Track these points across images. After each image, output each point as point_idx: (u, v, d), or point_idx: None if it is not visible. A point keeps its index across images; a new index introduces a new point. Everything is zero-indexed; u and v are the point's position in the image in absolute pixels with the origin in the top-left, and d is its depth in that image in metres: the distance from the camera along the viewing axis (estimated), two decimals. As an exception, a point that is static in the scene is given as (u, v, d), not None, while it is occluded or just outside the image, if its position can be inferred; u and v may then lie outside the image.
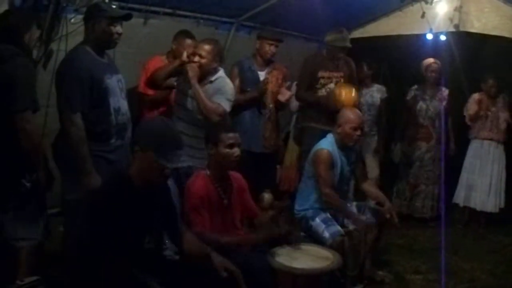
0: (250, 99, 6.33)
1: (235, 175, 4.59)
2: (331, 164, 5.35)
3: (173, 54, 5.95)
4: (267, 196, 6.43)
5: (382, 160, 8.15)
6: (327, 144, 5.45)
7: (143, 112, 5.92)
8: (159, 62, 5.79)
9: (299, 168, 7.07)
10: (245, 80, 6.43)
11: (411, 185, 7.94)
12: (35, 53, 4.69)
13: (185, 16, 6.39)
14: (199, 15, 6.59)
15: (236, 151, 4.35)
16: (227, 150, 4.33)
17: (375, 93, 8.07)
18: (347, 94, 6.41)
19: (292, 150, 7.90)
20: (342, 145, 5.48)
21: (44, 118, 4.51)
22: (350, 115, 5.45)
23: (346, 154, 5.53)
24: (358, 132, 5.41)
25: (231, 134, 4.36)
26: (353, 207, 5.59)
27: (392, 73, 9.35)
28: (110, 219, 3.27)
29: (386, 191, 6.17)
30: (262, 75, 6.57)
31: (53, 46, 4.90)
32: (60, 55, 4.68)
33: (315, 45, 8.91)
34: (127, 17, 4.54)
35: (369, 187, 5.79)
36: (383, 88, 8.15)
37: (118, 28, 4.44)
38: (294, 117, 7.78)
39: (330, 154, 5.35)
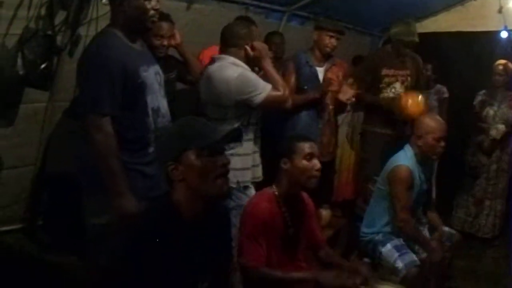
0: (310, 101, 5.59)
1: (305, 196, 3.96)
2: (411, 184, 4.71)
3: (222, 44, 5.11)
4: (325, 213, 5.75)
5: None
6: (406, 159, 4.78)
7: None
8: (215, 52, 4.97)
9: (357, 178, 6.62)
10: (302, 77, 5.67)
11: (477, 199, 7.19)
12: (59, 39, 4.17)
13: (233, 2, 5.84)
14: (248, 1, 6.04)
15: (316, 163, 3.69)
16: (305, 162, 3.67)
17: (432, 95, 7.46)
18: (413, 104, 5.77)
19: (347, 155, 7.09)
20: (422, 160, 4.84)
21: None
22: (432, 124, 4.78)
23: (424, 170, 4.90)
24: (442, 143, 4.74)
25: (308, 143, 3.72)
26: (426, 231, 5.01)
27: (450, 74, 8.51)
28: (153, 263, 2.56)
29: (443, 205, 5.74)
30: (320, 71, 5.78)
31: (81, 31, 4.32)
32: (88, 42, 3.99)
33: (368, 39, 8.59)
34: None
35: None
36: (443, 88, 7.59)
37: (154, 3, 3.57)
38: (348, 116, 7.05)
39: (410, 172, 4.69)
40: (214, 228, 2.90)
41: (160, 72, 3.75)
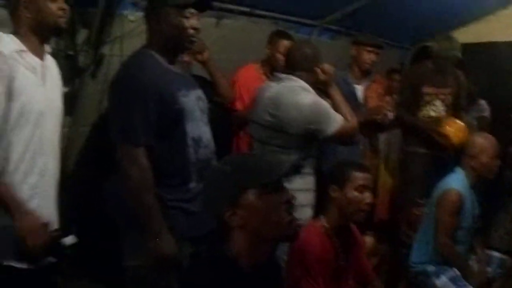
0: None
1: (353, 226, 3.72)
2: (458, 209, 4.45)
3: (269, 62, 4.99)
4: (369, 240, 5.38)
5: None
6: (457, 183, 4.52)
7: (235, 136, 4.97)
8: (253, 72, 4.94)
9: (395, 199, 6.32)
10: None
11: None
12: (81, 59, 3.92)
13: (263, 16, 5.52)
14: (278, 15, 5.73)
15: (367, 196, 3.46)
16: (357, 193, 3.44)
17: (473, 112, 7.06)
18: (456, 134, 5.58)
19: (383, 175, 6.73)
20: (475, 182, 4.59)
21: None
22: (484, 143, 4.57)
23: (476, 193, 4.66)
24: (497, 161, 4.57)
25: (363, 174, 3.50)
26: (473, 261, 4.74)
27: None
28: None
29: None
30: (359, 89, 5.58)
31: (105, 50, 4.03)
32: (113, 62, 3.94)
33: (398, 52, 8.29)
34: (202, 5, 3.32)
35: None
36: (484, 105, 7.17)
37: (193, 21, 3.22)
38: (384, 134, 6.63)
39: (460, 196, 4.45)
40: (270, 272, 2.61)
41: (203, 97, 3.40)
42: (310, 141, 3.85)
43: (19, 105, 2.83)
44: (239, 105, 4.90)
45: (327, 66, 3.95)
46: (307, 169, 3.92)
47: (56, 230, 3.10)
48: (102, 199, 3.46)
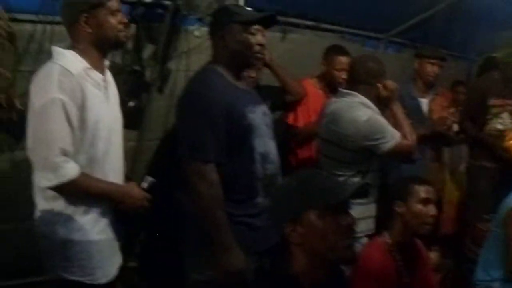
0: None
1: (418, 242, 3.63)
2: None
3: (325, 77, 4.87)
4: (434, 256, 5.11)
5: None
6: None
7: (293, 149, 4.83)
8: (309, 86, 4.81)
9: (460, 214, 6.09)
10: (405, 110, 5.04)
11: None
12: (148, 74, 4.01)
13: (328, 30, 5.52)
14: (344, 29, 5.72)
15: (431, 209, 3.40)
16: (421, 207, 3.38)
17: None
18: None
19: (448, 188, 6.49)
20: None
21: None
22: None
23: None
24: None
25: (425, 187, 3.44)
26: None
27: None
28: None
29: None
30: (423, 102, 5.39)
31: (171, 65, 4.11)
32: (179, 77, 4.05)
33: (464, 63, 8.05)
34: (268, 22, 3.32)
35: None
36: None
37: (258, 38, 3.21)
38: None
39: None
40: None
41: (268, 112, 3.38)
42: (368, 156, 3.78)
43: (92, 124, 2.80)
44: (293, 119, 4.86)
45: (389, 83, 3.86)
46: (371, 197, 3.85)
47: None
48: (167, 213, 3.48)
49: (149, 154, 4.22)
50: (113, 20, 2.86)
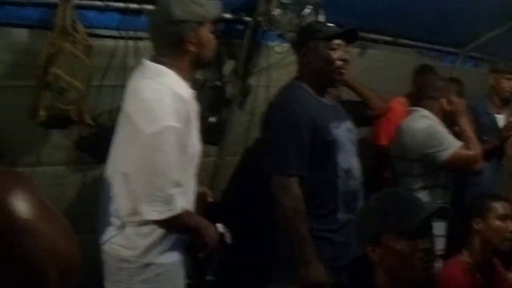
0: (489, 151, 4.94)
1: (497, 262, 3.53)
2: None
3: (414, 95, 4.74)
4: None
5: None
6: None
7: (379, 169, 4.72)
8: (396, 104, 4.74)
9: None
10: (481, 127, 5.08)
11: None
12: (229, 89, 3.93)
13: (406, 46, 5.36)
14: (421, 44, 5.53)
15: (510, 224, 3.33)
16: (499, 223, 3.33)
17: None
18: None
19: None
20: None
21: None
22: None
23: None
24: None
25: (502, 203, 3.40)
26: None
27: None
28: None
29: None
30: (500, 119, 5.26)
31: (251, 81, 4.06)
32: (259, 92, 4.04)
33: None
34: (350, 37, 3.35)
35: None
36: None
37: (340, 53, 3.25)
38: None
39: None
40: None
41: (353, 128, 3.37)
42: (433, 168, 3.80)
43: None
44: (384, 140, 4.73)
45: (454, 98, 3.91)
46: (437, 199, 3.84)
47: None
48: (247, 227, 3.47)
49: (229, 169, 4.22)
50: (211, 36, 2.80)
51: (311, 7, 3.71)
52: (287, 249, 3.16)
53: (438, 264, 3.50)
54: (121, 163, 2.69)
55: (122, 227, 2.72)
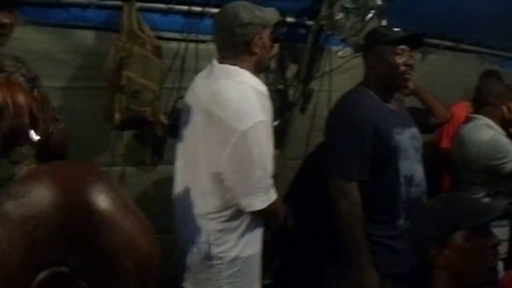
0: None
1: None
2: None
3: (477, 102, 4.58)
4: None
5: None
6: None
7: (442, 173, 4.62)
8: (460, 109, 4.58)
9: None
10: None
11: None
12: (291, 93, 3.96)
13: (468, 51, 5.21)
14: (482, 49, 5.37)
15: None
16: None
17: None
18: None
19: None
20: None
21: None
22: None
23: None
24: None
25: None
26: None
27: None
28: None
29: None
30: None
31: (313, 85, 4.01)
32: (321, 97, 3.97)
33: None
34: (415, 42, 3.29)
35: None
36: None
37: (405, 58, 3.19)
38: None
39: None
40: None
41: (418, 135, 3.30)
42: (496, 178, 3.72)
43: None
44: (445, 143, 4.66)
45: None
46: (504, 221, 3.69)
47: None
48: (306, 230, 3.44)
49: (290, 173, 4.16)
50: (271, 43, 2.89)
51: (374, 11, 3.67)
52: (343, 253, 3.13)
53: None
54: (210, 164, 2.75)
55: (207, 225, 2.80)
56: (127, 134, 3.44)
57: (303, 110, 3.96)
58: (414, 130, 3.30)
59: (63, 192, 0.87)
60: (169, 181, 3.11)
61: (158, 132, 3.37)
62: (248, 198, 2.68)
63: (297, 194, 4.04)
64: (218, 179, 2.71)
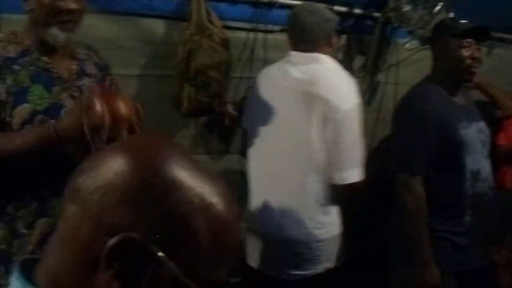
0: None
1: None
2: None
3: None
4: None
5: None
6: None
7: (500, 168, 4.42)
8: None
9: None
10: None
11: None
12: (358, 85, 3.50)
13: None
14: None
15: None
16: None
17: None
18: None
19: None
20: None
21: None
22: None
23: None
24: None
25: None
26: None
27: None
28: None
29: None
30: None
31: (380, 77, 3.96)
32: (387, 89, 3.92)
33: None
34: (481, 36, 3.17)
35: None
36: None
37: (472, 51, 3.09)
38: None
39: None
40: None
41: (485, 129, 3.23)
42: None
43: None
44: (503, 139, 4.53)
45: None
46: None
47: None
48: (369, 224, 3.42)
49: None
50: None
51: (442, 3, 3.58)
52: (401, 246, 3.11)
53: None
54: (302, 145, 2.83)
55: (305, 209, 2.86)
56: (194, 123, 3.45)
57: (369, 102, 3.90)
58: (481, 124, 3.20)
59: (126, 160, 0.86)
60: (234, 171, 3.09)
61: (225, 122, 3.39)
62: (350, 170, 2.79)
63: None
64: (315, 158, 2.80)
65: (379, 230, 3.41)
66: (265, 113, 2.93)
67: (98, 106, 1.88)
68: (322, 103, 2.75)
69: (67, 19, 2.13)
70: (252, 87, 3.11)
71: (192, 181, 0.87)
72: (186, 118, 3.31)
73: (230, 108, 3.31)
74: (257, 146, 3.01)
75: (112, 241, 0.80)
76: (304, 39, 2.90)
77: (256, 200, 2.99)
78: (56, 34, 2.13)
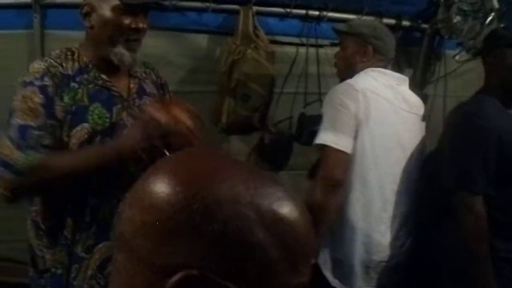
0: None
1: None
2: None
3: None
4: None
5: None
6: None
7: None
8: None
9: None
10: None
11: None
12: None
13: None
14: None
15: None
16: None
17: None
18: None
19: None
20: None
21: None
22: None
23: None
24: None
25: None
26: None
27: None
28: None
29: None
30: None
31: (428, 90, 3.86)
32: (436, 102, 3.77)
33: None
34: None
35: None
36: None
37: None
38: None
39: None
40: None
41: None
42: None
43: None
44: None
45: None
46: None
47: None
48: (424, 243, 3.29)
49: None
50: None
51: (493, 14, 3.49)
52: (464, 270, 2.90)
53: None
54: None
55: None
56: (235, 140, 3.42)
57: (419, 115, 3.76)
58: None
59: (162, 190, 0.81)
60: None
61: (265, 139, 3.32)
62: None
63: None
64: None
65: (428, 245, 3.32)
66: (387, 137, 2.81)
67: (162, 116, 1.84)
68: (423, 125, 2.96)
69: (134, 38, 2.07)
70: (341, 104, 2.74)
71: (241, 192, 0.81)
72: (226, 134, 3.27)
73: (270, 124, 3.28)
74: (369, 169, 2.82)
75: (170, 283, 0.76)
76: (391, 57, 2.97)
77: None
78: (122, 53, 2.05)
